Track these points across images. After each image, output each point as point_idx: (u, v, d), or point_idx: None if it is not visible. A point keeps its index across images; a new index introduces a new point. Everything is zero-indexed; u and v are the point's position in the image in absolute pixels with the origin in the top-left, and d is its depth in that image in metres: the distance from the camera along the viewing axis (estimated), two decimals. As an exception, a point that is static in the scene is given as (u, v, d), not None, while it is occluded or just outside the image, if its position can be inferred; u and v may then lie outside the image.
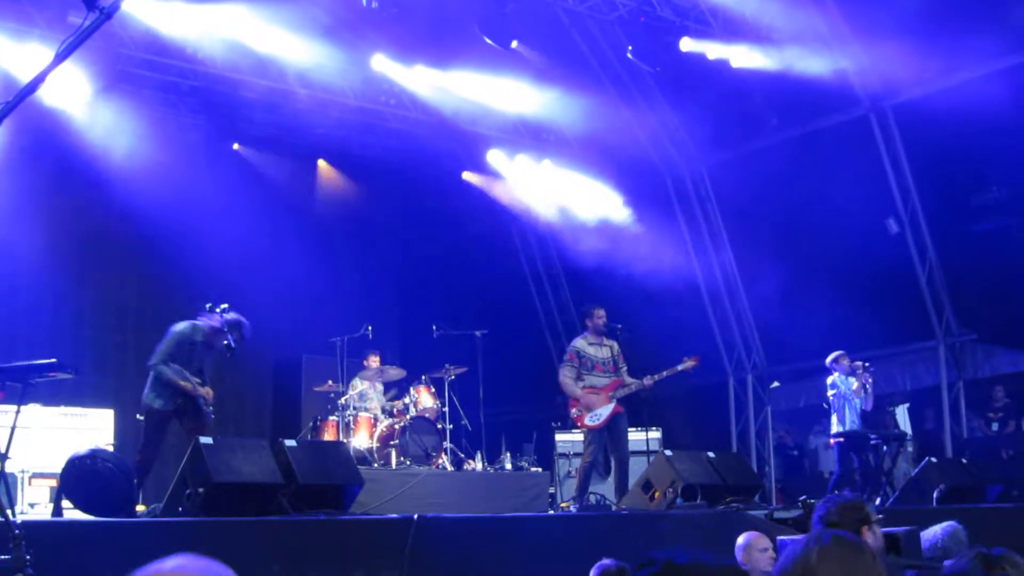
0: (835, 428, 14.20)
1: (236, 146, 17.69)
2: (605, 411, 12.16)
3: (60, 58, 4.19)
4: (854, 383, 14.11)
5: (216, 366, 11.35)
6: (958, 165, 16.06)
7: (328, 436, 13.67)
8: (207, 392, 10.59)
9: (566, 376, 12.40)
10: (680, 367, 12.71)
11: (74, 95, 14.54)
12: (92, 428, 12.57)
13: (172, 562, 1.90)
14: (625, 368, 12.41)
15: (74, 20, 12.00)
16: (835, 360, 14.23)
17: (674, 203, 19.80)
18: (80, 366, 10.75)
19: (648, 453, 11.82)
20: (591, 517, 10.77)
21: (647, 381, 12.26)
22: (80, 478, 8.53)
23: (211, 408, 10.65)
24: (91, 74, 14.47)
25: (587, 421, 12.19)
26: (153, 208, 14.65)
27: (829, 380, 14.27)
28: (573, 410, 12.39)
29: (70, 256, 15.43)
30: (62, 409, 12.54)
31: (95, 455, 8.73)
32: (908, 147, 16.79)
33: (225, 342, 10.39)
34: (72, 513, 8.68)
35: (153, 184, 14.62)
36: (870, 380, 14.20)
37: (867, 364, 14.31)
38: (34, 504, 11.72)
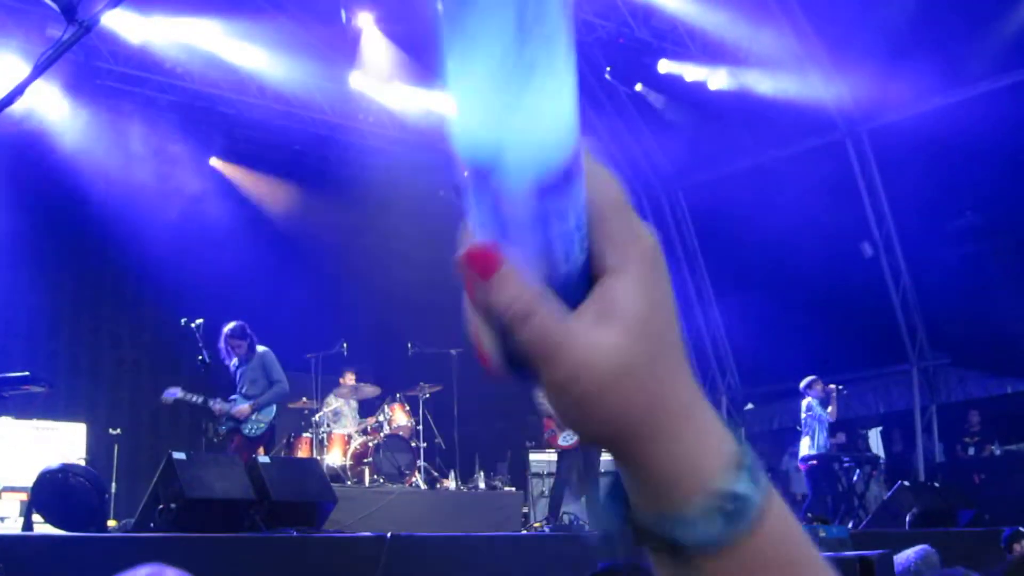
0: (804, 451, 14.21)
1: (213, 161, 17.62)
2: (578, 431, 12.16)
3: (39, 71, 4.17)
4: (830, 408, 14.17)
5: (187, 379, 11.33)
6: (933, 190, 16.13)
7: (302, 453, 13.61)
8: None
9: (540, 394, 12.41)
10: None
11: (52, 108, 14.51)
12: (64, 442, 12.48)
13: (145, 569, 1.88)
14: None
15: (53, 33, 11.97)
16: (808, 385, 14.26)
17: (650, 224, 19.79)
18: (53, 380, 10.68)
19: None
20: (564, 537, 10.74)
21: None
22: (51, 492, 8.49)
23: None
24: (69, 87, 14.46)
25: (560, 441, 12.21)
26: (129, 222, 14.60)
27: (805, 402, 14.30)
28: (547, 431, 12.39)
29: (45, 269, 15.33)
30: (34, 422, 12.45)
31: (67, 469, 8.70)
32: (883, 171, 16.88)
33: (200, 357, 10.38)
34: (43, 527, 8.62)
35: (130, 198, 14.58)
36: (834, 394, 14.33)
37: (841, 387, 14.37)
38: (4, 518, 11.63)
